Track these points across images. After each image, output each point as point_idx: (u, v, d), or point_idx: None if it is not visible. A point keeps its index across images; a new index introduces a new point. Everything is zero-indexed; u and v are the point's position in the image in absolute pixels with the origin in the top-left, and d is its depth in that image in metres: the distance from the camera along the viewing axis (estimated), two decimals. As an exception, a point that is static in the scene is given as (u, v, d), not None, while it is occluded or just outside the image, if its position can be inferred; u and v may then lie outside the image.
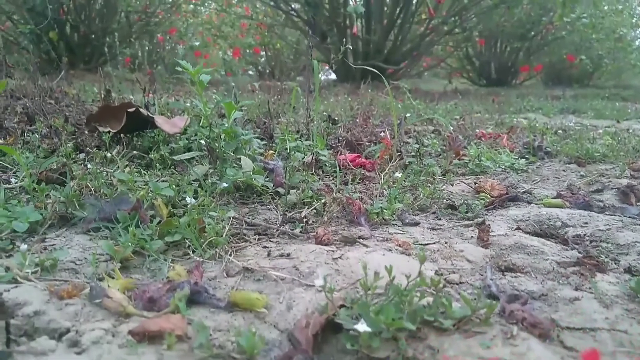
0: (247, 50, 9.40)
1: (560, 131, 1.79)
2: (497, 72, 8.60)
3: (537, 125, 1.88)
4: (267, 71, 10.43)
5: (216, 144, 0.74)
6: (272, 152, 0.91)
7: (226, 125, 0.76)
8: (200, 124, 0.87)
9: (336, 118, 1.40)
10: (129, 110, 1.00)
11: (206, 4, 8.08)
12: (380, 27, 5.40)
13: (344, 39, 5.56)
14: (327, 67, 6.89)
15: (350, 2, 5.64)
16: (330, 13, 5.27)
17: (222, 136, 0.74)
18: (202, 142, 0.76)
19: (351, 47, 5.54)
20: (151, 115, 0.99)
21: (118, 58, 7.17)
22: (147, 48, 8.08)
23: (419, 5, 5.63)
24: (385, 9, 5.56)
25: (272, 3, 5.74)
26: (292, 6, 6.06)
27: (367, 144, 1.15)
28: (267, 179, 0.79)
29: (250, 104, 2.56)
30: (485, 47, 8.17)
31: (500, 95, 6.20)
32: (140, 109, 1.01)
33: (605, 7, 7.39)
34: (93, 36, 7.41)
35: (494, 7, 5.57)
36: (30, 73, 2.72)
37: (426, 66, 8.42)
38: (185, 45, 9.49)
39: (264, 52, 9.54)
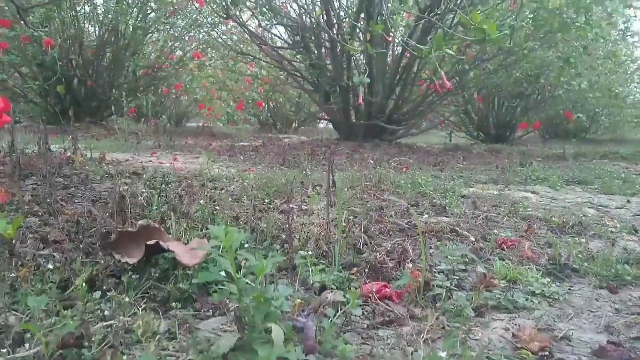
0: (250, 102, 9.56)
1: (578, 225, 1.76)
2: (495, 128, 8.73)
3: (552, 217, 1.85)
4: (269, 122, 10.58)
5: (245, 312, 0.70)
6: (300, 301, 0.87)
7: (254, 284, 0.73)
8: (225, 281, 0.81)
9: (358, 236, 1.35)
10: (148, 243, 0.96)
11: (212, 60, 8.28)
12: (382, 90, 5.50)
13: (348, 100, 5.66)
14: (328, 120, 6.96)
15: (353, 63, 5.78)
16: (334, 75, 5.38)
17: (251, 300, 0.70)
18: (231, 312, 0.72)
19: (354, 108, 5.63)
20: (170, 249, 0.95)
21: (124, 109, 7.26)
22: (151, 100, 8.21)
23: (420, 69, 5.78)
24: (387, 70, 5.70)
25: (277, 64, 5.87)
26: (295, 65, 6.20)
27: (390, 267, 1.11)
28: (297, 341, 0.74)
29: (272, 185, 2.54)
30: (484, 103, 8.33)
31: (501, 155, 6.25)
32: (160, 242, 0.97)
33: (600, 67, 7.60)
34: (100, 90, 7.54)
35: (493, 72, 5.72)
36: (40, 146, 2.72)
37: (426, 119, 8.53)
38: (189, 97, 9.66)
39: (265, 104, 9.70)
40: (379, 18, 4.99)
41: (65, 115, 7.46)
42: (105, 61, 7.65)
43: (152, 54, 8.01)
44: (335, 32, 5.09)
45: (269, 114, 10.18)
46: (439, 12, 4.38)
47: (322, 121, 9.71)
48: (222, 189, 2.33)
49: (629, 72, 9.58)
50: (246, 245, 1.14)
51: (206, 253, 0.98)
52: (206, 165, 2.98)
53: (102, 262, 1.03)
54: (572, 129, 11.17)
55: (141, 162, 3.79)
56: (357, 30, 5.12)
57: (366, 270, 1.10)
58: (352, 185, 2.49)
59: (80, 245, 1.16)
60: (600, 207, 2.39)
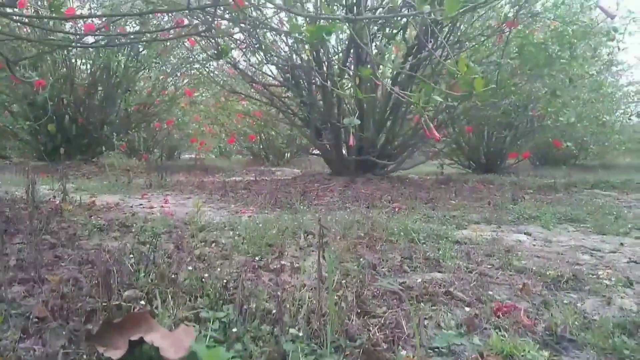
0: (242, 135, 9.60)
1: (572, 279, 1.74)
2: (486, 157, 8.80)
3: (547, 270, 1.84)
4: (262, 154, 10.60)
5: None
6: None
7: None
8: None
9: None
10: (132, 339, 0.93)
11: (204, 96, 8.36)
12: (372, 125, 5.55)
13: (339, 136, 5.69)
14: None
15: (344, 100, 5.84)
16: (325, 112, 5.43)
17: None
18: None
19: (345, 143, 5.66)
20: (155, 345, 0.92)
21: (115, 146, 7.25)
22: (143, 137, 8.21)
23: (410, 104, 5.84)
24: (377, 105, 5.77)
25: (268, 101, 5.92)
26: (286, 102, 6.26)
27: (384, 348, 1.08)
28: None
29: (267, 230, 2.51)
30: (474, 134, 8.42)
31: (493, 186, 6.27)
32: (144, 337, 0.94)
33: (586, 96, 7.73)
34: (91, 127, 7.54)
35: (482, 105, 5.80)
36: (28, 194, 2.68)
37: (417, 149, 8.58)
38: (182, 132, 9.68)
39: (258, 137, 9.73)
40: (367, 58, 5.09)
41: (57, 153, 7.45)
42: (97, 99, 7.68)
43: (144, 90, 8.05)
44: (325, 70, 5.17)
45: (261, 146, 10.21)
46: (425, 52, 4.47)
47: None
48: (213, 242, 2.30)
49: (614, 99, 9.77)
50: (234, 330, 1.11)
51: (190, 346, 0.95)
52: (197, 212, 2.94)
53: (85, 355, 0.99)
54: (562, 156, 11.31)
55: (132, 207, 3.74)
56: (347, 71, 5.20)
57: (359, 354, 1.06)
58: (344, 234, 2.47)
59: (64, 331, 1.12)
60: (594, 252, 2.38)
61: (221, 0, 1.96)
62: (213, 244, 2.26)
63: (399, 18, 5.99)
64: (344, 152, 5.83)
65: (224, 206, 4.03)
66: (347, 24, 5.30)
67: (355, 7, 4.65)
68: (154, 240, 2.10)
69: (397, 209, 3.74)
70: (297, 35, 2.38)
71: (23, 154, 9.17)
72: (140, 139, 8.68)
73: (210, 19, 2.06)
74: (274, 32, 5.12)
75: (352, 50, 5.19)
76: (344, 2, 4.58)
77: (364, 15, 3.64)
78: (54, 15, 2.59)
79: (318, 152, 6.44)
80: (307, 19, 4.68)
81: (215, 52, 4.05)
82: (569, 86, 5.91)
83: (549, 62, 5.53)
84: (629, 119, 9.30)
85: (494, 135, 8.47)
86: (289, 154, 10.37)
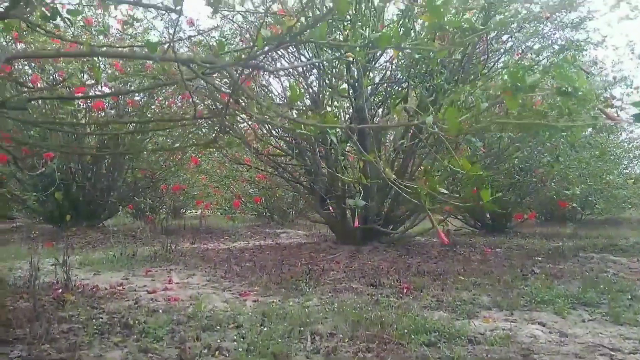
0: (247, 197, 9.63)
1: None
2: (491, 217, 8.75)
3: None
4: (267, 215, 10.57)
5: None
6: None
7: None
8: None
9: None
10: None
11: (209, 162, 8.47)
12: (377, 193, 5.56)
13: (343, 204, 5.69)
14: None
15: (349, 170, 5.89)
16: (329, 181, 5.46)
17: None
18: None
19: (350, 211, 5.65)
20: None
21: (120, 211, 7.27)
22: (149, 203, 8.25)
23: (414, 170, 5.88)
24: (382, 174, 5.77)
25: (273, 170, 5.98)
26: (290, 169, 6.31)
27: None
28: None
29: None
30: (477, 194, 8.39)
31: (500, 251, 6.18)
32: None
33: (585, 154, 7.77)
34: (97, 194, 7.60)
35: (483, 170, 5.83)
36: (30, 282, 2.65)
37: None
38: (187, 194, 9.72)
39: (263, 199, 9.74)
40: (370, 131, 5.18)
41: (63, 219, 7.46)
42: (104, 167, 7.79)
43: (151, 157, 8.17)
44: (329, 144, 5.25)
45: (266, 208, 10.21)
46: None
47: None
48: (217, 349, 2.22)
49: (615, 158, 9.82)
50: None
51: None
52: (200, 309, 2.88)
53: None
54: (567, 212, 11.23)
55: (135, 290, 3.68)
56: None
57: None
58: (352, 335, 2.40)
59: None
60: (613, 354, 2.29)
61: (229, 111, 2.01)
62: (217, 352, 2.19)
63: (399, 88, 6.17)
64: (348, 220, 5.81)
65: (228, 286, 3.95)
66: (350, 99, 5.46)
67: (356, 84, 4.79)
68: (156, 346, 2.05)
69: (405, 290, 3.66)
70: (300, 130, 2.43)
71: (30, 216, 9.20)
72: (146, 202, 8.72)
73: (219, 128, 2.10)
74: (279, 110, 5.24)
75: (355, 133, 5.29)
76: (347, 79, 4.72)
77: (366, 124, 3.74)
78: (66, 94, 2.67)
79: (323, 221, 6.43)
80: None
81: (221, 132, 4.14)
82: (572, 151, 5.97)
83: (548, 130, 5.61)
84: (630, 181, 9.30)
85: (498, 197, 8.45)
86: (293, 215, 10.34)
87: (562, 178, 7.39)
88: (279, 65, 4.77)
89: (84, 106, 6.34)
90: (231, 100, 1.98)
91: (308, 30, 1.87)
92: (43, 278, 3.81)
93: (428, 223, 9.06)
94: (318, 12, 4.50)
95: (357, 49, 2.18)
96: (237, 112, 1.99)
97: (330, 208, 5.78)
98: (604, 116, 2.39)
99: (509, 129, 5.27)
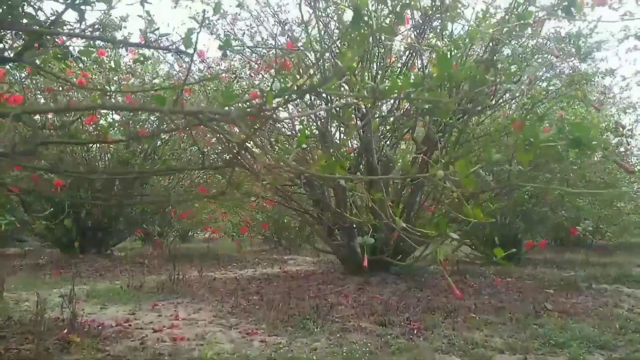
0: (255, 222, 9.60)
1: None
2: (501, 244, 8.60)
3: None
4: (274, 240, 10.53)
5: None
6: None
7: None
8: None
9: None
10: None
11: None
12: (385, 227, 5.51)
13: (352, 236, 5.66)
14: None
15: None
16: (338, 213, 5.43)
17: None
18: None
19: (359, 243, 5.61)
20: None
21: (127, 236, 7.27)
22: (158, 229, 8.27)
23: (423, 200, 5.85)
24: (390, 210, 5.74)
25: (282, 200, 5.97)
26: (295, 197, 6.30)
27: None
28: None
29: None
30: (488, 224, 8.33)
31: (511, 281, 6.07)
32: None
33: (596, 178, 7.69)
34: (106, 221, 7.63)
35: (491, 201, 5.78)
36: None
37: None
38: (195, 218, 9.72)
39: (270, 224, 9.72)
40: (378, 164, 5.17)
41: (72, 246, 7.48)
42: (114, 192, 7.82)
43: (160, 182, 8.21)
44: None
45: (273, 233, 10.18)
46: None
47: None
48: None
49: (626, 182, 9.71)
50: None
51: None
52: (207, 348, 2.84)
53: None
54: (579, 238, 11.07)
55: (141, 328, 3.64)
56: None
57: None
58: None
59: None
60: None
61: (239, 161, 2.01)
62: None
63: (407, 118, 6.18)
64: (356, 251, 5.76)
65: (235, 323, 3.90)
66: (359, 135, 5.47)
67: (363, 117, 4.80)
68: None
69: (415, 330, 3.59)
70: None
71: (39, 240, 9.22)
72: (155, 226, 8.74)
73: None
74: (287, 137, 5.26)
75: (363, 158, 5.30)
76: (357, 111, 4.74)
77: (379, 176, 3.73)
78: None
79: (331, 252, 6.40)
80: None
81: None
82: (582, 183, 5.91)
83: (558, 159, 5.57)
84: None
85: (508, 223, 8.36)
86: (300, 239, 10.29)
87: (573, 205, 7.31)
88: (286, 114, 4.80)
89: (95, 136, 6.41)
90: (241, 150, 1.98)
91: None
92: (49, 313, 3.78)
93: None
94: (328, 64, 4.53)
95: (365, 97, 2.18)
96: (245, 164, 1.99)
97: (339, 238, 5.74)
98: (618, 165, 2.36)
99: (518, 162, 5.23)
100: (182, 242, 12.03)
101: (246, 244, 10.88)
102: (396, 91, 2.09)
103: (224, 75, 4.73)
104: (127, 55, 5.59)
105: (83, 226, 7.59)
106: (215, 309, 4.39)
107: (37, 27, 2.51)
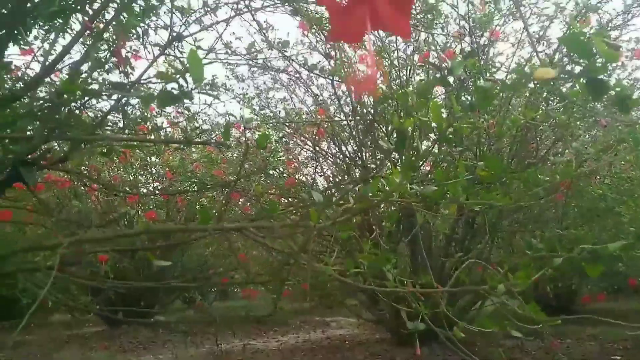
0: (294, 280, 9.45)
1: None
2: (555, 298, 8.16)
3: None
4: (315, 299, 10.32)
5: None
6: None
7: None
8: None
9: None
10: None
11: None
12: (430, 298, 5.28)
13: (395, 307, 5.44)
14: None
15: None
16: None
17: None
18: None
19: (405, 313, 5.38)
20: None
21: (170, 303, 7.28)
22: (199, 297, 8.28)
23: (470, 267, 5.62)
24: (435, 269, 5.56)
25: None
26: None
27: None
28: None
29: None
30: (540, 279, 7.91)
31: (569, 341, 5.64)
32: None
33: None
34: (148, 291, 7.70)
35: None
36: None
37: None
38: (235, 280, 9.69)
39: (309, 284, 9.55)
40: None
41: (115, 318, 7.55)
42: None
43: (201, 246, 8.29)
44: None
45: (314, 292, 9.98)
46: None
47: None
48: None
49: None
50: None
51: None
52: None
53: None
54: (638, 285, 10.34)
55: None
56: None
57: None
58: None
59: None
60: None
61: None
62: None
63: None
64: (402, 321, 5.52)
65: None
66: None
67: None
68: None
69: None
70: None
71: (83, 310, 9.35)
72: (195, 290, 8.75)
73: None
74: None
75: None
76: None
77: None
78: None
79: (373, 319, 6.18)
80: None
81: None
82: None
83: (605, 213, 5.26)
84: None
85: (561, 277, 7.91)
86: (341, 298, 10.02)
87: (629, 256, 6.85)
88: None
89: (135, 212, 6.60)
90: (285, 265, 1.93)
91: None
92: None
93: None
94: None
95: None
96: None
97: (383, 308, 5.55)
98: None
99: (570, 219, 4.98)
100: (222, 299, 11.98)
101: (286, 303, 10.70)
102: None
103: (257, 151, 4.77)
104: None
105: (125, 296, 7.68)
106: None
107: (83, 135, 2.61)
